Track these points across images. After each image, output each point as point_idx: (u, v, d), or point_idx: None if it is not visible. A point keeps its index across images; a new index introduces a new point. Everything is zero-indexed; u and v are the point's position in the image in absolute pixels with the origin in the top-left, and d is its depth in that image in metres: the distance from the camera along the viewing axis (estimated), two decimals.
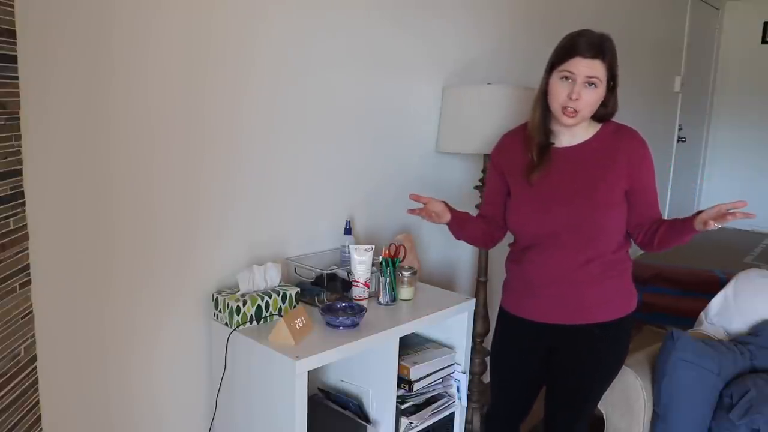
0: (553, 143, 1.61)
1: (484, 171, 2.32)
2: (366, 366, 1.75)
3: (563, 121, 1.54)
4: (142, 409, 1.64)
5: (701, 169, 6.47)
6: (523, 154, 1.63)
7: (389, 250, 1.87)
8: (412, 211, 1.69)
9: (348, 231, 2.00)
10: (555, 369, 1.68)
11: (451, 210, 1.71)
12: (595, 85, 1.49)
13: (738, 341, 2.04)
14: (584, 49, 1.48)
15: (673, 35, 5.13)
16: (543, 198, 1.59)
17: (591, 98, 1.50)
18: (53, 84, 1.34)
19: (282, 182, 1.87)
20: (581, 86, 1.48)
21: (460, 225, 1.73)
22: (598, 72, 1.49)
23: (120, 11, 1.43)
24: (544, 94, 1.58)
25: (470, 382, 2.21)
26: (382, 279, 1.82)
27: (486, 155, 2.31)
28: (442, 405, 1.90)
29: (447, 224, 1.73)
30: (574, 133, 1.59)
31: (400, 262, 1.89)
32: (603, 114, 1.58)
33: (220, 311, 1.65)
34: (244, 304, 1.61)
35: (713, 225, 1.39)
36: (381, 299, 1.83)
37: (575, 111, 1.50)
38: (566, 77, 1.50)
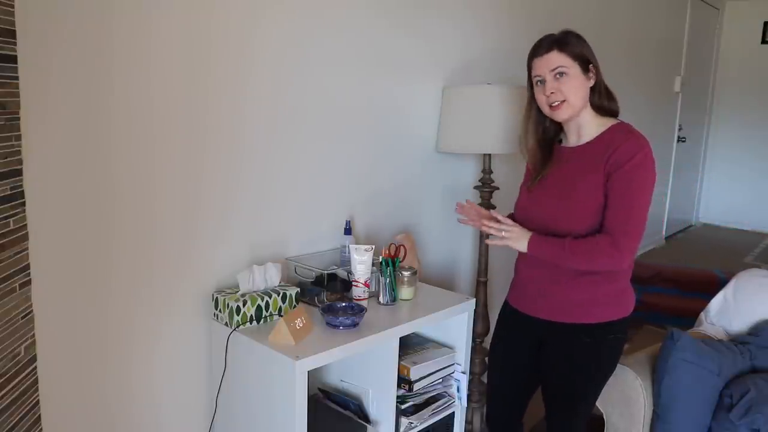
0: (561, 142, 1.67)
1: (484, 171, 2.32)
2: (366, 366, 1.75)
3: (556, 118, 1.59)
4: (142, 409, 1.64)
5: (701, 169, 6.47)
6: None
7: (389, 250, 1.87)
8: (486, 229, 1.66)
9: (348, 231, 2.00)
10: (543, 366, 1.71)
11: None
12: (565, 74, 1.53)
13: (738, 341, 2.04)
14: (537, 49, 1.58)
15: (673, 35, 5.13)
16: (534, 194, 1.66)
17: (567, 86, 1.54)
18: (53, 84, 1.34)
19: (282, 182, 1.87)
20: (551, 80, 1.55)
21: None
22: (558, 61, 1.54)
23: (120, 11, 1.43)
24: (537, 109, 1.64)
25: (470, 382, 2.22)
26: (382, 279, 1.82)
27: (486, 155, 2.31)
28: (442, 405, 1.90)
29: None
30: (581, 132, 1.61)
31: (400, 262, 1.89)
32: (600, 103, 1.59)
33: (220, 311, 1.65)
34: (244, 304, 1.61)
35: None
36: (381, 299, 1.83)
37: (559, 103, 1.55)
38: (539, 82, 1.58)
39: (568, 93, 1.53)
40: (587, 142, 1.59)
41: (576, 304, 1.60)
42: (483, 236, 2.32)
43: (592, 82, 1.56)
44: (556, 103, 1.55)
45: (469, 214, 1.74)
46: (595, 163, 1.53)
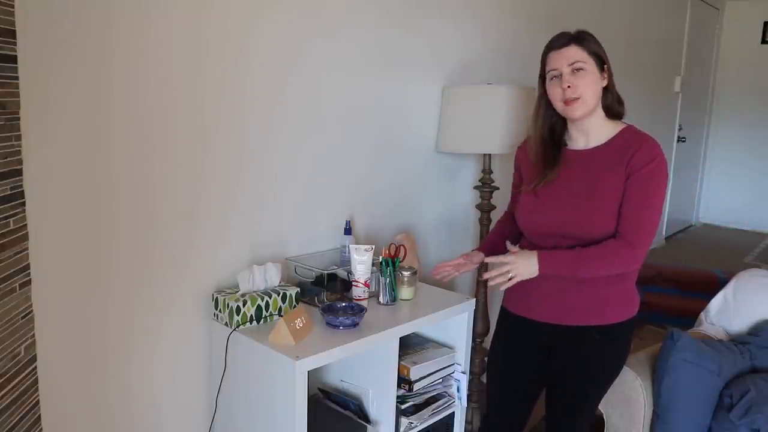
0: (567, 145, 1.63)
1: (484, 171, 2.32)
2: (366, 366, 1.75)
3: (570, 114, 1.54)
4: (142, 409, 1.64)
5: (701, 169, 6.47)
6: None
7: (389, 250, 1.87)
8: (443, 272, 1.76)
9: (348, 231, 2.00)
10: (552, 370, 1.68)
11: (482, 248, 1.80)
12: (583, 69, 1.52)
13: (738, 341, 2.04)
14: (555, 42, 1.55)
15: (673, 35, 5.13)
16: (544, 199, 1.60)
17: (584, 82, 1.52)
18: (53, 84, 1.34)
19: (282, 182, 1.87)
20: (569, 75, 1.52)
21: (493, 251, 1.78)
22: (577, 56, 1.52)
23: (120, 11, 1.43)
24: (547, 106, 1.60)
25: (470, 382, 2.21)
26: (382, 279, 1.82)
27: (486, 155, 2.31)
28: (442, 405, 1.90)
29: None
30: (589, 135, 1.59)
31: (400, 262, 1.89)
32: (611, 105, 1.58)
33: (220, 311, 1.65)
34: (244, 304, 1.61)
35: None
36: (381, 299, 1.83)
37: (575, 99, 1.52)
38: (554, 76, 1.55)
39: (585, 89, 1.51)
40: (598, 146, 1.57)
41: (589, 305, 1.58)
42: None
43: (605, 83, 1.55)
44: (571, 99, 1.52)
45: (448, 272, 1.75)
46: (613, 164, 1.52)
